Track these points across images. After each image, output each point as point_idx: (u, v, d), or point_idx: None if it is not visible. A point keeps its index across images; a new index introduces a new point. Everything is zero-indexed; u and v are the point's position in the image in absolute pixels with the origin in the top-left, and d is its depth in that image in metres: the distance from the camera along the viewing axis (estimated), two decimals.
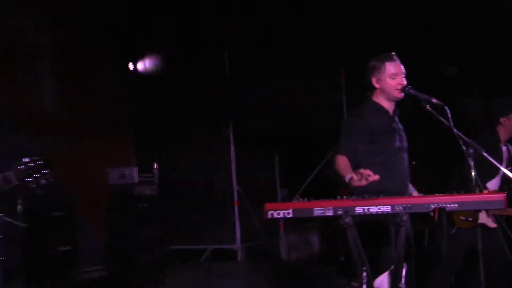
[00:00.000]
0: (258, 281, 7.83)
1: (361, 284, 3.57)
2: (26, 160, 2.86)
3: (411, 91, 4.07)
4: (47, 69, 9.09)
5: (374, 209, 3.51)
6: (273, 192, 10.38)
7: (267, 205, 3.80)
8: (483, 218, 5.17)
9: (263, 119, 9.63)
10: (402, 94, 4.14)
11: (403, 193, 4.09)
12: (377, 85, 4.22)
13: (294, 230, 9.09)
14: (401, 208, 3.48)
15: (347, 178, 3.77)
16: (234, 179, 10.08)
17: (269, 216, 3.75)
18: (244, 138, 9.96)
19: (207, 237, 10.01)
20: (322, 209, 3.61)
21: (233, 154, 10.11)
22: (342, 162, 3.99)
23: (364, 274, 3.56)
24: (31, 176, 2.84)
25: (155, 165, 8.97)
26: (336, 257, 8.20)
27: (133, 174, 8.52)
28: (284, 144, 9.90)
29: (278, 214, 3.74)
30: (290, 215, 3.72)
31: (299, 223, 8.83)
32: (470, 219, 5.21)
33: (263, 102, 9.52)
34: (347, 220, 3.51)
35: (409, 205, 3.50)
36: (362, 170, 3.56)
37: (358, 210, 3.53)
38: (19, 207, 6.84)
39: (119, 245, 8.44)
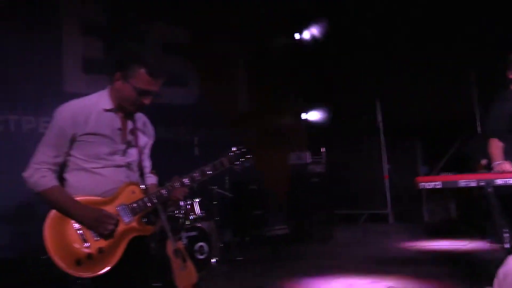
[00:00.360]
0: (407, 239, 7.72)
1: (503, 244, 3.42)
2: (234, 148, 2.88)
3: None
4: (242, 74, 9.45)
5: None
6: (415, 169, 10.08)
7: (419, 178, 3.77)
8: None
9: (408, 109, 9.38)
10: None
11: None
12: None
13: (434, 197, 8.79)
14: None
15: (497, 163, 3.59)
16: (384, 157, 10.02)
17: (421, 187, 3.73)
18: (391, 126, 9.83)
19: (363, 204, 10.06)
20: (467, 181, 3.53)
21: (383, 140, 10.06)
22: (496, 146, 3.69)
23: (506, 235, 3.42)
24: (238, 160, 2.87)
25: (323, 149, 9.09)
26: (469, 220, 7.88)
27: (307, 156, 8.71)
28: (424, 131, 9.56)
29: (429, 185, 3.71)
30: (439, 186, 3.67)
31: (438, 192, 8.49)
32: None
33: (409, 93, 9.24)
34: (489, 189, 3.41)
35: None
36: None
37: (498, 181, 3.42)
38: (226, 182, 7.22)
39: (296, 209, 8.62)
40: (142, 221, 2.65)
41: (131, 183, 2.68)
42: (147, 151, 2.89)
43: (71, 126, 2.57)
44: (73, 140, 2.59)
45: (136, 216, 2.61)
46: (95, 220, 2.51)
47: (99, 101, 2.67)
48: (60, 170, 2.65)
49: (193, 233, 6.13)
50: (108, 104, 2.67)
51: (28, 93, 6.52)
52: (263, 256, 7.11)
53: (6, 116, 6.35)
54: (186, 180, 2.72)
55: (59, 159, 2.61)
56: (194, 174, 2.74)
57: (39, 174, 2.54)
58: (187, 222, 6.22)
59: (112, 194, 2.62)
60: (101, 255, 2.50)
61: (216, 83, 8.68)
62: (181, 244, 5.52)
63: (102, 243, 2.53)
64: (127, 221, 2.59)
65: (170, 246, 5.28)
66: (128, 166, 2.71)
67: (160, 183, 2.87)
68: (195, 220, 6.32)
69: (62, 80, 6.97)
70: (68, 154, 2.62)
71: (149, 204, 2.65)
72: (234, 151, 2.87)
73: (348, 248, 7.37)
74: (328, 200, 8.67)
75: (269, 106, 9.48)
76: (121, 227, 2.57)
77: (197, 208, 6.42)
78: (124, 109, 2.69)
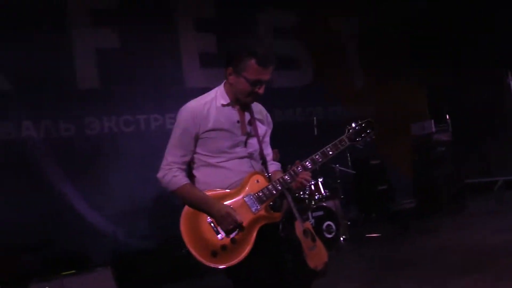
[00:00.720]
0: None
1: None
2: (353, 124, 2.79)
3: None
4: (355, 55, 9.36)
5: None
6: None
7: None
8: None
9: None
10: None
11: None
12: None
13: None
14: None
15: None
16: None
17: None
18: None
19: (497, 170, 9.40)
20: None
21: None
22: None
23: None
24: (359, 136, 2.77)
25: (447, 116, 8.65)
26: None
27: (431, 125, 8.26)
28: None
29: None
30: None
31: None
32: None
33: None
34: None
35: None
36: None
37: None
38: (348, 159, 7.17)
39: (423, 182, 8.21)
40: (269, 208, 2.69)
41: (255, 173, 2.73)
42: (267, 139, 2.92)
43: (193, 125, 2.66)
44: (197, 138, 2.69)
45: (263, 205, 2.66)
46: (221, 217, 2.60)
47: (216, 97, 2.74)
48: (189, 168, 2.77)
49: (320, 213, 6.21)
50: (225, 99, 2.73)
51: (153, 93, 7.00)
52: (392, 231, 6.96)
53: (136, 117, 6.90)
54: (308, 164, 2.71)
55: (187, 158, 2.72)
56: (316, 157, 2.72)
57: (170, 174, 2.68)
58: (313, 202, 6.31)
59: (238, 185, 2.70)
60: (234, 245, 2.59)
61: (329, 62, 8.66)
62: (309, 224, 5.61)
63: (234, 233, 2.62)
64: (254, 210, 2.65)
65: (298, 227, 5.38)
66: (250, 156, 2.77)
67: (283, 167, 2.90)
68: (320, 200, 6.38)
69: (183, 77, 7.39)
70: (194, 152, 2.73)
71: (274, 192, 2.68)
72: (353, 127, 2.78)
73: (481, 219, 6.94)
74: (457, 169, 8.23)
75: (386, 77, 9.21)
76: (249, 217, 2.64)
77: (321, 188, 6.47)
78: (240, 101, 2.73)
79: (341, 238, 6.44)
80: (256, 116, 2.84)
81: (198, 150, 2.72)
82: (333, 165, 6.90)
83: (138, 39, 6.98)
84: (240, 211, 2.63)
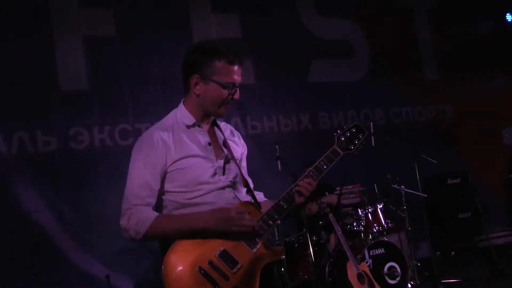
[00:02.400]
0: None
1: None
2: (341, 131, 3.07)
3: None
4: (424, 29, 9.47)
5: None
6: None
7: None
8: None
9: None
10: None
11: None
12: None
13: None
14: None
15: None
16: None
17: None
18: None
19: None
20: None
21: None
22: None
23: None
24: (352, 144, 3.05)
25: None
26: None
27: None
28: None
29: None
30: None
31: None
32: None
33: None
34: None
35: None
36: None
37: None
38: (417, 178, 6.97)
39: None
40: (269, 244, 2.82)
41: (243, 204, 2.84)
42: (244, 165, 3.09)
43: (157, 157, 2.77)
44: (164, 173, 2.80)
45: (261, 240, 2.78)
46: (224, 220, 2.68)
47: (177, 120, 2.89)
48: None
49: (380, 251, 6.13)
50: (189, 120, 2.88)
51: (159, 95, 7.08)
52: (479, 276, 6.82)
53: (136, 126, 6.96)
54: (302, 183, 2.87)
55: (153, 199, 2.80)
56: (310, 174, 2.91)
57: (136, 214, 2.73)
58: (370, 237, 6.24)
59: None
60: None
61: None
62: (365, 266, 5.50)
63: (234, 281, 2.67)
64: (253, 249, 2.75)
65: (351, 270, 5.29)
66: (232, 185, 2.90)
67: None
68: (380, 233, 6.32)
69: None
70: (161, 193, 2.82)
71: (270, 222, 2.82)
72: (343, 133, 3.06)
73: None
74: None
75: (467, 69, 9.19)
76: (249, 257, 2.73)
77: (381, 217, 6.37)
78: (211, 114, 2.91)
79: (409, 285, 6.21)
80: (228, 138, 3.01)
81: (167, 187, 2.81)
82: (397, 186, 6.70)
83: (139, 24, 7.00)
84: (236, 253, 2.72)
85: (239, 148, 3.05)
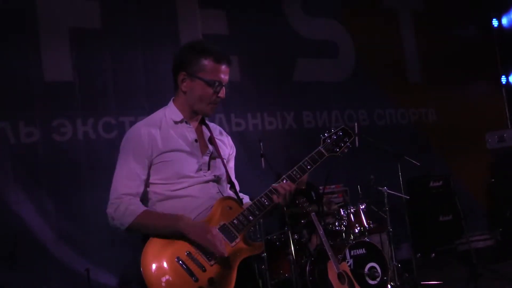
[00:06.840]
0: None
1: None
2: (328, 134, 3.15)
3: None
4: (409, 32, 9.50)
5: None
6: None
7: None
8: None
9: None
10: None
11: None
12: None
13: None
14: None
15: None
16: None
17: None
18: None
19: None
20: None
21: None
22: None
23: None
24: (338, 146, 3.13)
25: None
26: None
27: None
28: None
29: None
30: None
31: None
32: None
33: None
34: None
35: None
36: None
37: None
38: (399, 180, 7.01)
39: (503, 211, 8.14)
40: (248, 238, 2.89)
41: (226, 198, 2.93)
42: (232, 165, 3.16)
43: (143, 150, 2.86)
44: (150, 165, 2.89)
45: (240, 234, 2.84)
46: (200, 238, 2.74)
47: (165, 115, 2.97)
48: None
49: (361, 251, 6.14)
50: (177, 116, 2.96)
51: (144, 88, 7.07)
52: (458, 278, 6.81)
53: (120, 119, 6.90)
54: (284, 182, 2.94)
55: (141, 189, 2.88)
56: (293, 173, 2.98)
57: (124, 205, 2.81)
58: (352, 237, 6.24)
59: (207, 215, 2.87)
60: (213, 287, 2.70)
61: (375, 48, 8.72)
62: (346, 266, 5.50)
63: (211, 272, 2.72)
64: (232, 243, 2.81)
65: (332, 270, 5.29)
66: (217, 180, 2.98)
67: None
68: (362, 233, 6.32)
69: None
70: (146, 184, 2.90)
71: (251, 218, 2.88)
72: (329, 136, 3.14)
73: None
74: None
75: (451, 72, 9.22)
76: (228, 251, 2.77)
77: (363, 218, 6.39)
78: (198, 112, 2.99)
79: (389, 286, 6.25)
80: (216, 136, 3.09)
81: (152, 179, 2.90)
82: (380, 188, 6.75)
83: (124, 17, 6.98)
84: None
85: (227, 148, 3.13)
